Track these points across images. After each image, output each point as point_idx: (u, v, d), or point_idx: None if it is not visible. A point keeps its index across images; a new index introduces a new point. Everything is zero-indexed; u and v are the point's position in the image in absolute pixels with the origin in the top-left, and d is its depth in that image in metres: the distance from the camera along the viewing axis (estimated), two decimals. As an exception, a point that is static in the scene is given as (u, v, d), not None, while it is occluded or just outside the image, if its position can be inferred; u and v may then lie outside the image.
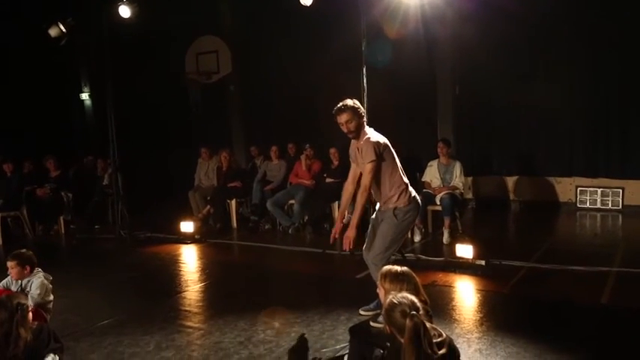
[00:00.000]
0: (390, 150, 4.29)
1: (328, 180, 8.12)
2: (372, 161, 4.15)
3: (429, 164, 7.64)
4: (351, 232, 4.20)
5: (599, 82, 8.61)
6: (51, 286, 4.24)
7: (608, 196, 8.73)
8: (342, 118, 4.23)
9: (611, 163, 8.74)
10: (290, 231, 8.04)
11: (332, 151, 8.25)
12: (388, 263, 4.27)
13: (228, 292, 5.55)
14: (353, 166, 4.51)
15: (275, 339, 4.14)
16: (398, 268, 3.15)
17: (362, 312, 4.59)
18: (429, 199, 7.23)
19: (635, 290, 4.94)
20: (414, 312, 2.55)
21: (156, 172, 10.64)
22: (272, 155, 8.79)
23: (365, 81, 6.37)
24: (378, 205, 4.49)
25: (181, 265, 6.76)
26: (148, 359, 3.89)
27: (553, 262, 5.77)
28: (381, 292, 3.14)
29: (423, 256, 6.29)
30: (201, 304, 5.18)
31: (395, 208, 4.24)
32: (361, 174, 4.32)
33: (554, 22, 8.62)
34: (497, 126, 9.52)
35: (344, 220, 4.69)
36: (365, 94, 6.38)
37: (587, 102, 8.77)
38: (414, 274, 3.11)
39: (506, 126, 9.45)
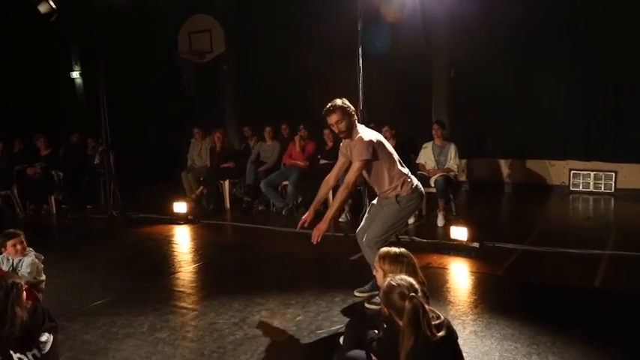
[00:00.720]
0: (384, 146, 4.22)
1: (322, 161, 8.07)
2: (362, 160, 4.09)
3: (423, 146, 7.61)
4: (323, 225, 4.13)
5: (594, 67, 8.57)
6: (42, 265, 4.21)
7: (601, 179, 8.76)
8: (332, 119, 4.17)
9: (604, 146, 8.75)
10: (283, 212, 8.01)
11: (326, 132, 8.19)
12: (384, 246, 4.28)
13: (221, 273, 5.54)
14: (341, 159, 4.43)
15: (270, 320, 4.13)
16: (396, 249, 3.13)
17: (357, 294, 4.59)
18: (423, 181, 7.14)
19: (628, 274, 4.98)
20: (413, 294, 2.54)
21: (148, 152, 10.56)
22: (266, 136, 8.73)
23: (361, 62, 6.29)
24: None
25: (174, 245, 6.73)
26: (142, 340, 3.87)
27: (546, 244, 5.79)
28: (378, 273, 3.12)
29: (417, 238, 6.29)
30: (194, 284, 5.15)
31: (397, 195, 4.22)
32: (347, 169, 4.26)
33: (551, 6, 8.54)
34: (492, 109, 9.49)
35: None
36: (360, 74, 6.31)
37: (581, 86, 8.75)
38: (412, 256, 3.10)
39: (500, 109, 9.42)
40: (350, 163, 4.27)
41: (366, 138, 4.12)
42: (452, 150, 7.30)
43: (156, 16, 10.62)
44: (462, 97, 9.62)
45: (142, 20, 10.61)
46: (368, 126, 6.92)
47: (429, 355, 2.46)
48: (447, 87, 9.58)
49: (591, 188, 8.84)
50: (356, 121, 4.26)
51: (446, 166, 7.27)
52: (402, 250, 3.14)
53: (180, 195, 8.60)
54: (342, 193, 4.20)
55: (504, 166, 9.59)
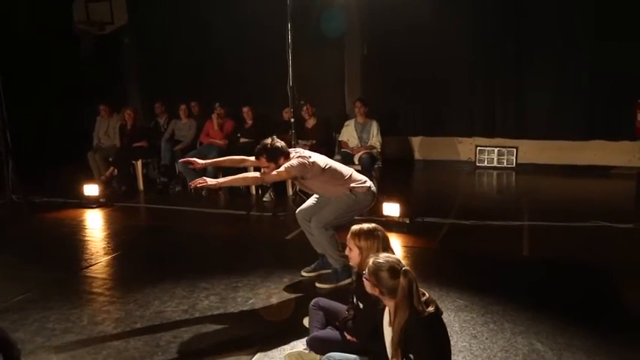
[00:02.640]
0: (319, 165, 4.14)
1: (242, 140, 7.86)
2: (289, 172, 4.03)
3: (345, 124, 7.66)
4: (211, 183, 3.91)
5: (497, 49, 9.03)
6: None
7: (504, 155, 9.32)
8: (261, 162, 4.13)
9: (507, 124, 9.29)
10: (203, 193, 7.72)
11: (245, 110, 7.98)
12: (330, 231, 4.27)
13: (153, 258, 5.27)
14: None
15: (222, 305, 3.98)
16: (368, 225, 3.13)
17: (304, 273, 4.55)
18: (347, 158, 7.27)
19: (548, 242, 5.36)
20: (405, 268, 2.54)
21: (46, 131, 9.64)
22: (181, 114, 8.30)
23: (290, 38, 6.14)
24: None
25: (91, 230, 6.27)
26: (85, 334, 3.58)
27: (470, 217, 6.08)
28: (353, 252, 3.09)
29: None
30: (127, 272, 4.84)
31: (352, 190, 4.21)
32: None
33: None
34: (403, 88, 9.70)
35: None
36: (290, 50, 6.18)
37: (486, 66, 9.20)
38: (383, 230, 3.11)
39: (411, 88, 9.65)
40: None
41: (306, 160, 4.08)
42: (374, 127, 7.41)
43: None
44: (374, 76, 9.74)
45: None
46: (298, 104, 6.91)
47: (421, 330, 2.47)
48: (359, 65, 9.65)
49: (495, 163, 9.38)
50: (287, 157, 4.13)
51: (369, 144, 7.36)
52: (374, 224, 3.15)
53: (87, 177, 7.99)
54: (251, 179, 4.26)
55: (415, 143, 9.91)
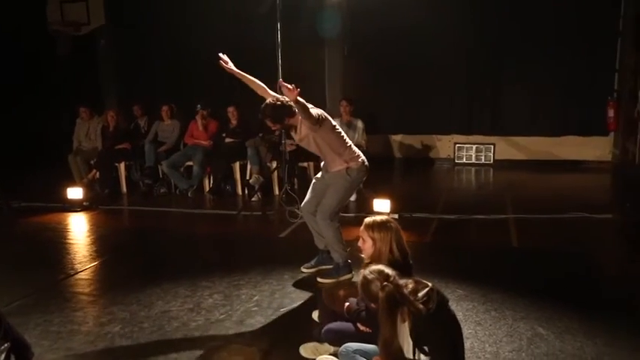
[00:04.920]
0: (330, 121, 4.22)
1: (228, 140, 7.86)
2: (310, 111, 3.98)
3: (331, 123, 7.72)
4: (232, 68, 4.29)
5: (476, 47, 9.28)
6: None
7: (481, 151, 9.56)
8: (268, 124, 4.26)
9: (484, 121, 9.55)
10: (189, 194, 7.71)
11: (230, 110, 7.95)
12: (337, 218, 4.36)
13: (148, 259, 5.24)
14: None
15: (227, 302, 4.00)
16: (381, 217, 3.19)
17: (304, 270, 4.61)
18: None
19: (535, 233, 5.57)
20: (386, 283, 2.53)
21: (20, 135, 9.45)
22: (163, 115, 8.24)
23: (279, 37, 6.18)
24: (323, 164, 4.47)
25: (78, 234, 6.19)
26: (92, 336, 3.56)
27: (457, 212, 6.24)
28: (366, 243, 3.14)
29: (341, 213, 6.39)
30: (124, 273, 4.79)
31: (348, 168, 4.27)
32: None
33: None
34: (383, 86, 9.85)
35: None
36: (279, 50, 6.22)
37: (464, 65, 9.43)
38: (396, 222, 3.18)
39: (391, 86, 9.81)
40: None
41: (322, 113, 4.15)
42: (360, 125, 7.51)
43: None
44: (355, 74, 9.85)
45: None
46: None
47: (428, 326, 2.48)
48: (340, 65, 9.74)
49: (473, 160, 9.63)
50: (292, 115, 4.16)
51: (355, 142, 7.44)
52: (386, 217, 3.22)
53: (67, 181, 7.85)
54: (265, 91, 4.27)
55: (395, 141, 10.07)
